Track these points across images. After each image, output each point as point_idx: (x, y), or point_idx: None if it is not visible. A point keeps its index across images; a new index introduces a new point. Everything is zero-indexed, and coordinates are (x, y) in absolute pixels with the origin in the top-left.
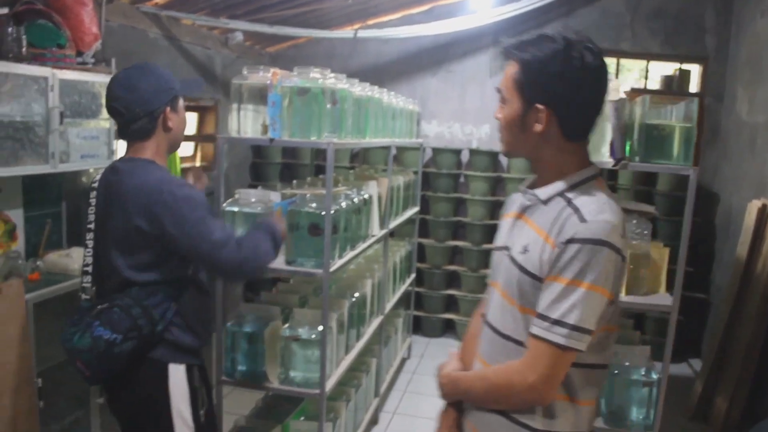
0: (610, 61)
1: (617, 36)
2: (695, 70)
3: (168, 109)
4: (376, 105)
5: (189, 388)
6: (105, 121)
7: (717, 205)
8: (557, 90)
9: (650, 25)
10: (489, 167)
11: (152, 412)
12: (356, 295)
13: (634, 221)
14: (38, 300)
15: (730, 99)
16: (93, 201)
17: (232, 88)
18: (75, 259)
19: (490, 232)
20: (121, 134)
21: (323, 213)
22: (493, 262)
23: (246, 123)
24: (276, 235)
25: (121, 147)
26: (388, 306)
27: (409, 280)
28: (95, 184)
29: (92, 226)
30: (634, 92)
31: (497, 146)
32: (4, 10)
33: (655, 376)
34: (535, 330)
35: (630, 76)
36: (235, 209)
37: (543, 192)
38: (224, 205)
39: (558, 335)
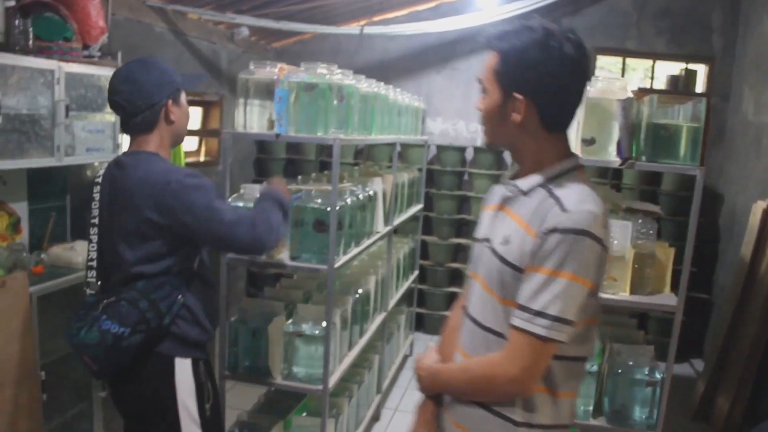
0: (616, 60)
1: (623, 35)
2: (701, 70)
3: (170, 102)
4: (383, 101)
5: (195, 382)
6: (110, 115)
7: (721, 205)
8: (535, 79)
9: (657, 24)
10: (493, 165)
11: (158, 406)
12: (360, 291)
13: (640, 221)
14: (42, 293)
15: (737, 99)
16: (96, 196)
17: (238, 83)
18: (79, 252)
19: None
20: (124, 128)
21: (328, 209)
22: (474, 253)
23: (252, 118)
24: (283, 203)
25: (125, 141)
26: (391, 303)
27: (412, 277)
28: (99, 179)
29: (96, 220)
30: (642, 92)
31: None
32: (11, 3)
33: (658, 376)
34: (516, 321)
35: (635, 75)
36: (240, 204)
37: (524, 183)
38: (229, 200)
39: (539, 327)
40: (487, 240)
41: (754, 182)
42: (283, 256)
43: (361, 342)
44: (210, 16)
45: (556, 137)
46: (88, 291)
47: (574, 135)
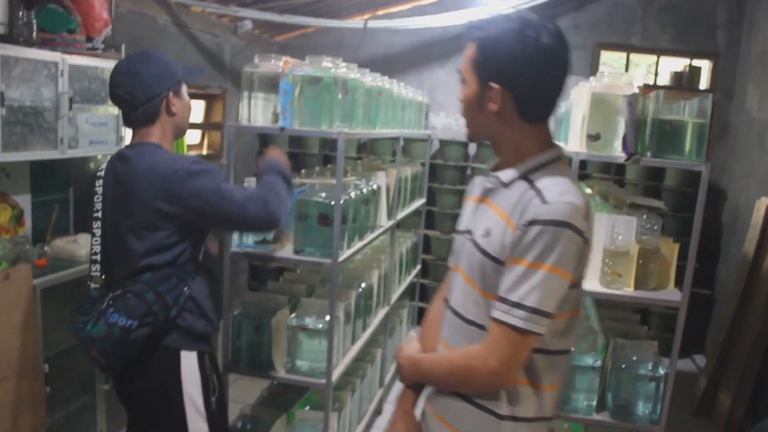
0: (620, 56)
1: (627, 30)
2: (705, 66)
3: (171, 94)
4: (387, 95)
5: (201, 375)
6: (113, 108)
7: (724, 201)
8: (511, 68)
9: (661, 20)
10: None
11: (164, 399)
12: (363, 285)
13: (645, 216)
14: (45, 286)
15: (740, 96)
16: (99, 189)
17: (243, 76)
18: (82, 245)
19: None
20: (126, 121)
21: (333, 203)
22: (456, 246)
23: (256, 111)
24: (285, 173)
25: (128, 134)
26: (394, 297)
27: (414, 272)
28: (101, 173)
29: (99, 214)
30: (646, 88)
31: None
32: None
33: (662, 371)
34: (495, 313)
35: (637, 71)
36: None
37: (505, 174)
38: None
39: (517, 318)
40: (468, 232)
41: (758, 179)
42: (287, 249)
43: (364, 336)
44: (213, 9)
45: (536, 128)
46: (93, 285)
47: (579, 130)
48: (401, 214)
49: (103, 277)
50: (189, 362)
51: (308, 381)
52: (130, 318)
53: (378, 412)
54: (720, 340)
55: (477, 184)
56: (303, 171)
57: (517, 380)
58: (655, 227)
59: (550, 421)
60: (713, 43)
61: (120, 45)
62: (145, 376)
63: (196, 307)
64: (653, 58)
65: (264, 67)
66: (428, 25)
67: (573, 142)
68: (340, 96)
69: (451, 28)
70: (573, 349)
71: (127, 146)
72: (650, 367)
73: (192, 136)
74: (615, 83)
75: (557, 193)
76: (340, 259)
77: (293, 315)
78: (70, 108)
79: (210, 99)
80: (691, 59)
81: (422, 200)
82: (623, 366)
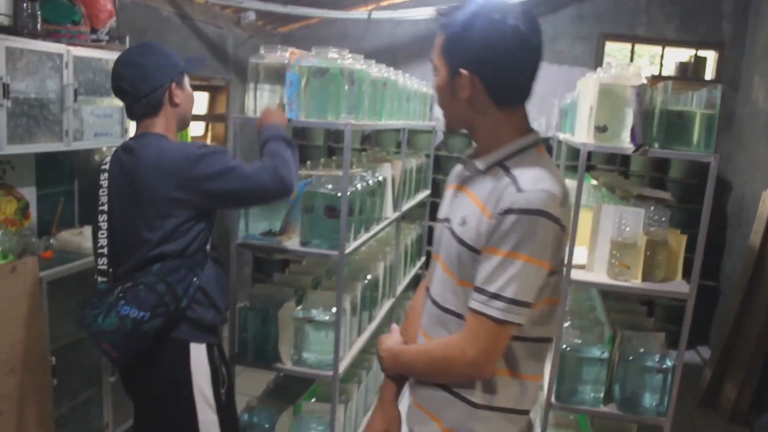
0: (621, 47)
1: (632, 21)
2: (710, 56)
3: (174, 85)
4: (392, 87)
5: (210, 367)
6: (118, 100)
7: (729, 193)
8: (478, 53)
9: (666, 10)
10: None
11: (174, 392)
12: (369, 277)
13: (652, 208)
14: (52, 278)
15: (746, 87)
16: (104, 183)
17: (249, 68)
18: (87, 237)
19: None
20: (129, 114)
21: (339, 194)
22: (436, 234)
23: (262, 103)
24: (287, 137)
25: (132, 127)
26: (399, 289)
27: (419, 264)
28: (105, 166)
29: (105, 207)
30: (654, 79)
31: None
32: None
33: (669, 363)
34: (473, 304)
35: (640, 62)
36: None
37: (481, 162)
38: None
39: (495, 309)
40: (447, 220)
41: (763, 170)
42: (294, 241)
43: (370, 328)
44: (217, 0)
45: (511, 113)
46: (100, 279)
47: (586, 121)
48: (406, 206)
49: (111, 270)
50: (198, 354)
51: (315, 373)
52: (141, 310)
53: None
54: (725, 331)
55: (457, 172)
56: (308, 163)
57: (495, 370)
58: (663, 219)
59: (527, 415)
60: (719, 33)
61: (124, 36)
62: (155, 369)
63: (206, 298)
64: (656, 49)
65: (270, 58)
66: (432, 15)
67: (580, 133)
68: (346, 87)
69: None
70: (553, 337)
71: (131, 138)
72: (657, 359)
73: (196, 128)
74: (623, 74)
75: (532, 180)
76: (347, 251)
77: (300, 307)
78: (75, 100)
79: (213, 91)
80: (697, 50)
81: (427, 192)
82: (630, 358)
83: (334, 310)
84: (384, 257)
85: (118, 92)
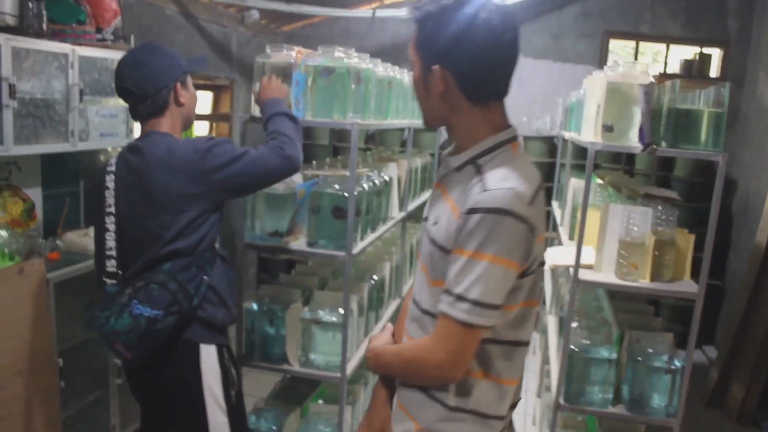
0: (627, 44)
1: (637, 18)
2: (715, 54)
3: (179, 84)
4: (398, 85)
5: (221, 369)
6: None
7: (735, 191)
8: (449, 48)
9: (671, 7)
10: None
11: (185, 393)
12: (375, 277)
13: (660, 207)
14: (59, 279)
15: (751, 84)
16: (111, 185)
17: (255, 67)
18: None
19: None
20: (134, 115)
21: (346, 195)
22: (422, 234)
23: None
24: (287, 112)
25: (137, 127)
26: (405, 289)
27: None
28: (111, 168)
29: (113, 209)
30: (661, 77)
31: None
32: None
33: (678, 364)
34: (441, 305)
35: (642, 60)
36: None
37: (454, 159)
38: None
39: (460, 311)
40: (426, 219)
41: None
42: (300, 242)
43: (377, 328)
44: None
45: (486, 110)
46: (109, 281)
47: (593, 120)
48: (412, 205)
49: (120, 272)
50: (208, 356)
51: (323, 374)
52: (155, 308)
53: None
54: (731, 331)
55: (439, 170)
56: (314, 162)
57: (471, 372)
58: (671, 218)
59: (504, 421)
60: (724, 30)
61: (129, 36)
62: (165, 371)
63: (216, 297)
64: (659, 46)
65: (276, 57)
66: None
67: (587, 132)
68: (353, 86)
69: None
70: (529, 340)
71: (137, 138)
72: (666, 360)
73: (200, 128)
74: (630, 72)
75: (499, 179)
76: (354, 251)
77: (307, 308)
78: (81, 100)
79: (217, 90)
80: (701, 47)
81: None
82: (639, 358)
83: (341, 311)
84: (390, 257)
85: (123, 93)
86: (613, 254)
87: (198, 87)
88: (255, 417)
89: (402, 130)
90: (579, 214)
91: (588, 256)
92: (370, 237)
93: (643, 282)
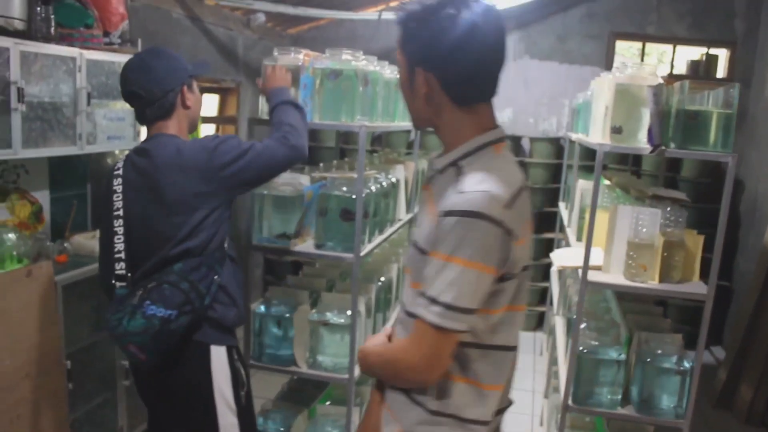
0: (633, 44)
1: (643, 19)
2: (722, 54)
3: (185, 88)
4: None
5: (230, 370)
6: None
7: (742, 192)
8: (431, 50)
9: (677, 8)
10: (510, 151)
11: (195, 395)
12: (382, 279)
13: (668, 208)
14: (67, 282)
15: (759, 85)
16: (119, 188)
17: (262, 70)
18: None
19: None
20: (140, 118)
21: (354, 197)
22: None
23: None
24: (292, 100)
25: (144, 130)
26: None
27: None
28: (118, 171)
29: (121, 212)
30: (668, 78)
31: (519, 130)
32: None
33: (687, 365)
34: (417, 307)
35: (648, 60)
36: (265, 192)
37: (439, 161)
38: None
39: (432, 314)
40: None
41: None
42: (308, 244)
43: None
44: (226, 2)
45: (472, 111)
46: (118, 284)
47: (602, 122)
48: (418, 207)
49: (129, 274)
50: (219, 357)
51: (330, 376)
52: (168, 308)
53: None
54: (740, 332)
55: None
56: (321, 164)
57: (450, 375)
58: (680, 219)
59: (488, 426)
60: (731, 31)
61: (136, 39)
62: (175, 373)
63: (227, 297)
64: (664, 47)
65: (284, 60)
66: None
67: (595, 133)
68: (361, 89)
69: None
70: (515, 345)
71: (143, 141)
72: (675, 361)
73: (206, 131)
74: (638, 74)
75: (475, 181)
76: (362, 253)
77: (314, 310)
78: (88, 103)
79: (224, 93)
80: (708, 48)
81: None
82: (648, 359)
83: (349, 312)
84: (397, 259)
85: (130, 97)
86: (621, 255)
87: (204, 90)
88: (263, 418)
89: (409, 131)
90: (587, 216)
91: (596, 257)
92: (378, 239)
93: (652, 283)
